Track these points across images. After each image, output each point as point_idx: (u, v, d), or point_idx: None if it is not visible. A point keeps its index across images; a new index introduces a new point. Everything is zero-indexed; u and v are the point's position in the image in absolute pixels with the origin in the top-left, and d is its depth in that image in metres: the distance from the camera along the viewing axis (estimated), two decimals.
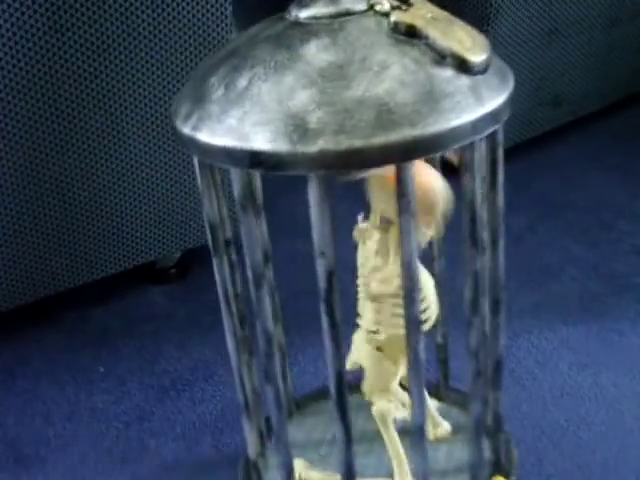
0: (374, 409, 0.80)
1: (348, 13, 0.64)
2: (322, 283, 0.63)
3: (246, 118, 0.60)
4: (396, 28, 0.63)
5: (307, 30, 0.63)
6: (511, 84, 0.69)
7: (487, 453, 0.82)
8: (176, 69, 1.08)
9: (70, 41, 0.99)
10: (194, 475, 0.93)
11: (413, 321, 0.67)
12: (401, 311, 0.68)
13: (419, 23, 0.63)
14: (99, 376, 1.08)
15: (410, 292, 0.65)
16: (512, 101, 0.68)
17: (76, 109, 1.03)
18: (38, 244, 1.08)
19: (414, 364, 0.68)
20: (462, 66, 0.62)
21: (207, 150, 0.63)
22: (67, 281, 1.13)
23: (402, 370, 0.80)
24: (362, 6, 0.64)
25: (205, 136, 0.62)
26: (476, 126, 0.62)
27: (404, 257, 0.64)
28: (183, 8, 1.05)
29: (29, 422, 1.00)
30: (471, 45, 0.63)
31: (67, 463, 0.95)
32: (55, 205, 1.07)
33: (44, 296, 1.12)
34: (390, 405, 0.80)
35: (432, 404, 0.89)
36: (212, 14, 1.07)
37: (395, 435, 0.81)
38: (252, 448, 0.81)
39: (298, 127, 0.59)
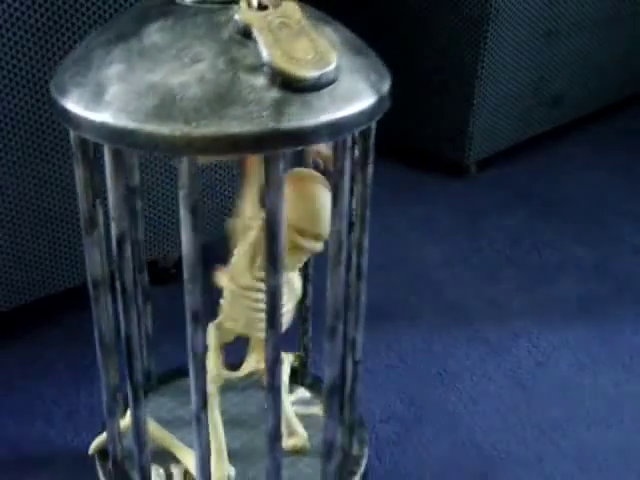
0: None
1: (231, 1, 0.63)
2: (114, 248, 0.68)
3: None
4: (235, 26, 0.62)
5: (169, 10, 0.64)
6: (354, 110, 0.62)
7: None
8: None
9: (70, 41, 0.99)
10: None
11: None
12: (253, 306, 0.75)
13: (257, 25, 0.61)
14: (99, 376, 1.08)
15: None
16: (332, 128, 0.61)
17: None
18: (38, 244, 1.08)
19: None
20: (276, 79, 0.59)
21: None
22: (67, 281, 1.13)
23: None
24: None
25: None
26: (259, 140, 0.59)
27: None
28: None
29: (29, 422, 1.00)
30: (304, 60, 0.60)
31: (67, 463, 0.95)
32: (55, 205, 1.07)
33: (44, 296, 1.12)
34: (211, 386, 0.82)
35: (290, 409, 0.86)
36: None
37: (217, 418, 0.83)
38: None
39: (96, 96, 0.61)
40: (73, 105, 0.62)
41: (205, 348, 0.70)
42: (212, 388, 0.82)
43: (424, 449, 0.94)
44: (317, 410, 0.88)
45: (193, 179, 0.61)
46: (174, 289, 1.25)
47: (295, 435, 0.85)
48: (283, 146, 0.60)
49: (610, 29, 1.64)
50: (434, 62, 1.50)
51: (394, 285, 1.24)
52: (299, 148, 0.61)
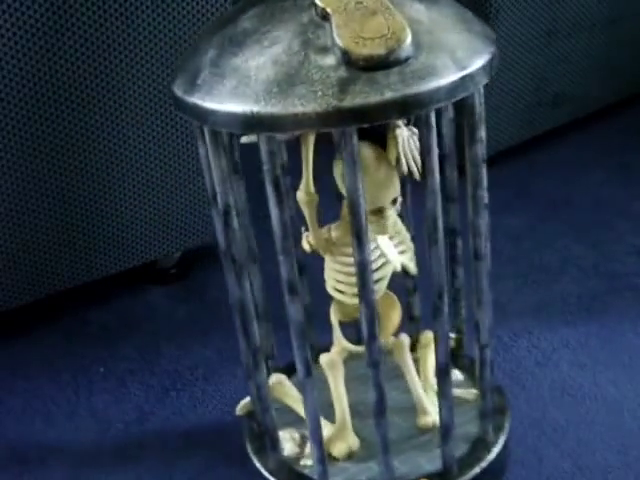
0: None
1: None
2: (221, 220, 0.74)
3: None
4: (315, 9, 0.64)
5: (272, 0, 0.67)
6: (428, 87, 0.62)
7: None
8: None
9: (70, 41, 0.99)
10: (194, 475, 0.93)
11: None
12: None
13: (333, 7, 0.62)
14: (99, 376, 1.08)
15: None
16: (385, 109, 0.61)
17: (76, 109, 1.03)
18: (38, 244, 1.08)
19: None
20: (344, 58, 0.61)
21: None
22: (67, 281, 1.13)
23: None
24: None
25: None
26: (323, 118, 0.61)
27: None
28: (183, 8, 1.05)
29: (29, 422, 1.00)
30: (373, 39, 0.60)
31: (67, 463, 0.95)
32: (55, 205, 1.07)
33: (44, 296, 1.12)
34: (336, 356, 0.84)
35: (419, 388, 0.87)
36: (212, 14, 1.07)
37: (342, 391, 0.84)
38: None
39: (192, 79, 0.66)
40: (177, 89, 0.68)
41: (306, 320, 0.74)
42: (336, 360, 0.84)
43: None
44: (465, 393, 0.88)
45: (271, 155, 0.65)
46: (174, 289, 1.25)
47: (425, 414, 0.85)
48: (347, 123, 0.61)
49: (610, 29, 1.64)
50: None
51: (394, 285, 1.24)
52: (365, 125, 0.62)
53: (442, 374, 0.75)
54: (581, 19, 1.55)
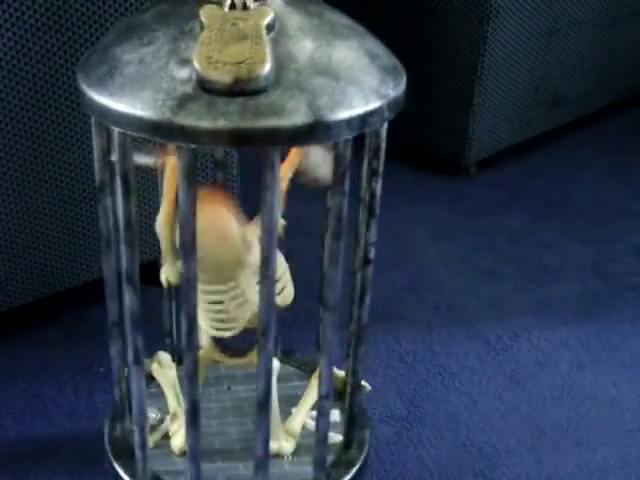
0: None
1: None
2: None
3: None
4: (199, 20, 0.63)
5: None
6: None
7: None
8: None
9: (70, 41, 0.99)
10: None
11: None
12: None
13: (209, 22, 0.61)
14: (99, 376, 1.08)
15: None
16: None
17: (76, 109, 1.03)
18: (38, 244, 1.08)
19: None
20: (195, 76, 0.60)
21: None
22: (67, 281, 1.13)
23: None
24: None
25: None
26: (146, 125, 0.61)
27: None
28: None
29: (29, 422, 1.00)
30: (227, 64, 0.58)
31: (67, 463, 0.95)
32: (55, 205, 1.07)
33: (44, 296, 1.12)
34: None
35: (276, 419, 0.85)
36: None
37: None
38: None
39: (84, 61, 0.68)
40: (79, 64, 0.68)
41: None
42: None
43: (424, 449, 0.94)
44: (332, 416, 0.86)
45: (121, 147, 0.66)
46: (174, 289, 1.25)
47: (277, 441, 0.84)
48: (177, 139, 0.60)
49: (610, 29, 1.64)
50: (434, 62, 1.50)
51: (394, 285, 1.24)
52: (193, 146, 0.61)
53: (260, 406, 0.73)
54: (581, 19, 1.56)
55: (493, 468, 0.91)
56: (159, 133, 0.60)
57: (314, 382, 0.87)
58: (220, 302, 0.80)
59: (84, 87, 0.65)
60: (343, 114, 0.61)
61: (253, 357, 0.84)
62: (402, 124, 1.63)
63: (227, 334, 0.82)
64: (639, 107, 1.85)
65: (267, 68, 0.59)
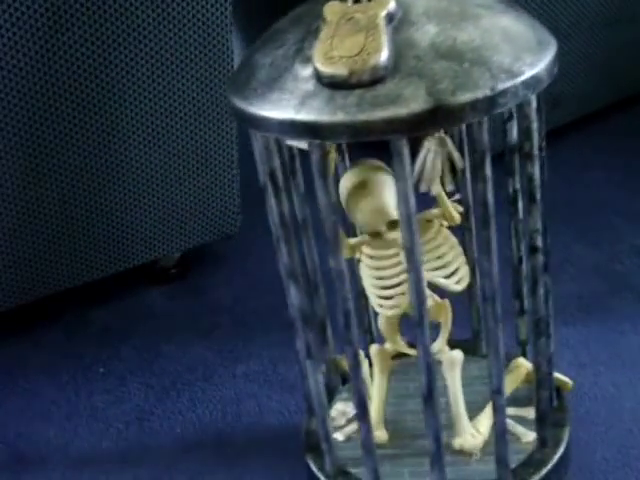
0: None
1: None
2: None
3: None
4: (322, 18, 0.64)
5: None
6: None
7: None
8: (176, 69, 1.08)
9: (70, 41, 0.99)
10: (193, 475, 0.93)
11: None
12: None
13: (329, 17, 0.62)
14: (99, 376, 1.08)
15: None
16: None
17: (76, 109, 1.03)
18: (38, 244, 1.08)
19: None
20: (314, 72, 0.61)
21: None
22: (67, 281, 1.13)
23: None
24: None
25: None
26: (274, 124, 0.63)
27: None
28: (183, 8, 1.05)
29: (29, 422, 1.00)
30: (342, 57, 0.59)
31: (67, 463, 0.95)
32: (55, 205, 1.07)
33: (44, 296, 1.12)
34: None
35: (462, 408, 0.82)
36: (212, 14, 1.07)
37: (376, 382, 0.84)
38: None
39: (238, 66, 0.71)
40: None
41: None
42: (384, 352, 0.85)
43: None
44: (528, 413, 0.85)
45: (265, 150, 0.68)
46: (174, 289, 1.25)
47: (462, 435, 0.82)
48: (302, 136, 0.62)
49: (610, 29, 1.64)
50: None
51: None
52: (317, 141, 0.62)
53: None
54: (581, 19, 1.55)
55: None
56: (285, 132, 0.62)
57: (509, 377, 0.86)
58: (383, 269, 0.77)
59: (229, 93, 0.67)
60: (466, 97, 0.59)
61: (436, 347, 0.82)
62: None
63: (390, 312, 0.79)
64: (639, 107, 1.84)
65: (382, 58, 0.59)
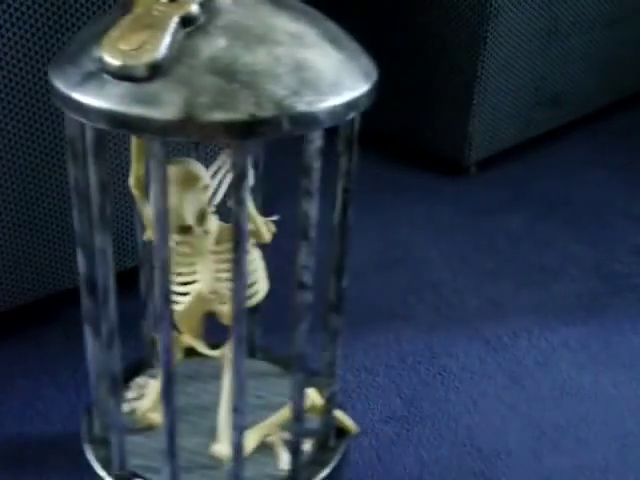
0: None
1: None
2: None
3: None
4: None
5: None
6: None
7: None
8: None
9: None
10: None
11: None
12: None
13: (137, 9, 0.64)
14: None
15: None
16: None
17: None
18: (38, 244, 1.08)
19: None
20: (99, 60, 0.62)
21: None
22: (67, 281, 1.13)
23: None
24: None
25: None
26: (58, 99, 0.64)
27: None
28: None
29: (29, 422, 1.00)
30: (124, 50, 0.60)
31: (67, 463, 0.95)
32: (55, 205, 1.07)
33: (44, 296, 1.12)
34: None
35: (225, 416, 0.83)
36: None
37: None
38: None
39: None
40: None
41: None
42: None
43: (424, 449, 0.94)
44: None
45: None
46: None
47: (221, 443, 0.82)
48: (75, 113, 0.63)
49: (610, 29, 1.64)
50: (434, 62, 1.50)
51: (394, 285, 1.24)
52: (84, 121, 0.63)
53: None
54: (581, 19, 1.56)
55: (493, 468, 0.91)
56: (65, 104, 0.64)
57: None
58: (179, 265, 0.79)
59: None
60: (219, 115, 0.59)
61: (225, 351, 0.83)
62: (402, 124, 1.63)
63: (176, 307, 0.81)
64: (639, 107, 1.85)
65: (152, 57, 0.60)
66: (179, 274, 0.79)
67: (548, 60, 1.54)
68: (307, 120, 0.61)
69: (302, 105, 0.61)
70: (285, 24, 0.64)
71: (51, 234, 1.08)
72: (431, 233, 1.38)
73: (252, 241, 0.80)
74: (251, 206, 0.78)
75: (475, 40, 1.42)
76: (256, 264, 0.82)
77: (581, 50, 1.60)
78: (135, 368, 0.95)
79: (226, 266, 0.78)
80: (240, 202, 0.64)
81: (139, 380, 0.93)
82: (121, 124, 0.60)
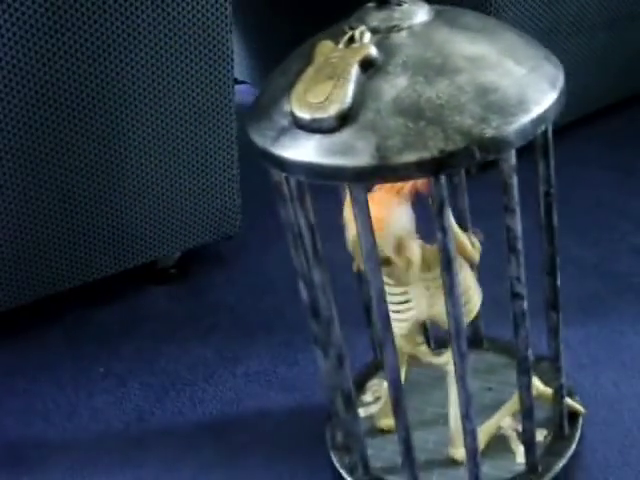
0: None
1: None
2: None
3: None
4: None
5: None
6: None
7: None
8: (176, 69, 1.08)
9: (70, 41, 0.99)
10: (193, 475, 0.93)
11: None
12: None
13: (317, 59, 0.65)
14: (99, 376, 1.08)
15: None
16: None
17: (76, 109, 1.03)
18: (38, 244, 1.08)
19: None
20: (290, 114, 0.64)
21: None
22: (67, 281, 1.13)
23: None
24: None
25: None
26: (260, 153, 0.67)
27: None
28: (183, 8, 1.05)
29: (29, 422, 1.00)
30: (311, 102, 0.62)
31: (67, 463, 0.95)
32: (55, 205, 1.07)
33: (44, 296, 1.12)
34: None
35: (456, 419, 0.83)
36: (212, 14, 1.07)
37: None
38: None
39: None
40: None
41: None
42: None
43: None
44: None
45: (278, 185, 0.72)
46: (174, 289, 1.25)
47: (455, 447, 0.83)
48: (275, 167, 0.67)
49: (610, 29, 1.64)
50: None
51: None
52: (284, 174, 0.68)
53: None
54: (581, 19, 1.55)
55: None
56: (264, 158, 0.66)
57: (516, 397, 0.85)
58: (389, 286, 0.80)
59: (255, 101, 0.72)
60: (411, 156, 0.60)
61: (447, 357, 0.83)
62: None
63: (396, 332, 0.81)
64: (639, 107, 1.84)
65: (337, 109, 0.61)
66: (394, 303, 0.80)
67: None
68: (497, 145, 0.61)
69: (490, 131, 0.61)
70: (463, 48, 0.64)
71: (51, 234, 1.08)
72: (431, 233, 1.38)
73: (460, 260, 0.80)
74: (455, 228, 0.80)
75: None
76: (468, 282, 0.82)
77: (581, 50, 1.60)
78: (369, 370, 0.97)
79: (439, 290, 0.77)
80: (444, 231, 0.66)
81: (374, 382, 0.94)
82: (317, 175, 0.63)
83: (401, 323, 0.81)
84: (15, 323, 1.14)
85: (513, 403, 0.85)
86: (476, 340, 0.96)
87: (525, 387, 0.78)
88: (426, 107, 0.61)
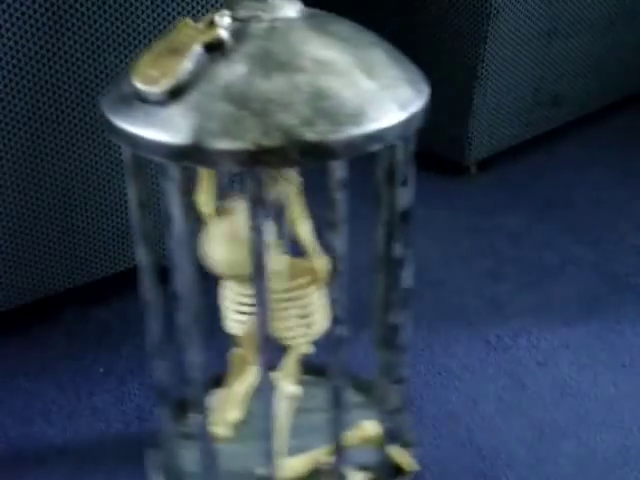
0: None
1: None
2: None
3: None
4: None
5: None
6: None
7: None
8: None
9: (70, 41, 0.99)
10: None
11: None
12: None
13: (174, 34, 0.65)
14: (99, 376, 1.08)
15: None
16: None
17: (76, 109, 1.03)
18: (38, 244, 1.08)
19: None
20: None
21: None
22: (67, 281, 1.13)
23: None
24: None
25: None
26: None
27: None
28: (183, 8, 1.05)
29: (29, 422, 1.00)
30: (151, 75, 0.62)
31: (67, 463, 0.95)
32: (55, 205, 1.07)
33: (44, 296, 1.12)
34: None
35: (281, 443, 0.82)
36: (212, 14, 1.07)
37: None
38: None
39: None
40: None
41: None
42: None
43: (424, 449, 0.94)
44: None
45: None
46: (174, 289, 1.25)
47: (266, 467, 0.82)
48: (115, 137, 0.66)
49: (610, 29, 1.64)
50: (434, 62, 1.50)
51: None
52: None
53: None
54: (581, 19, 1.56)
55: (493, 468, 0.91)
56: (105, 127, 0.66)
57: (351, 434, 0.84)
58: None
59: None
60: (224, 144, 0.59)
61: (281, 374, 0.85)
62: None
63: (234, 331, 0.85)
64: (639, 107, 1.85)
65: (167, 84, 0.61)
66: (241, 303, 0.82)
67: (548, 60, 1.54)
68: (319, 151, 0.59)
69: (312, 135, 0.59)
70: (315, 50, 0.63)
71: (51, 234, 1.08)
72: (431, 233, 1.38)
73: (309, 279, 0.80)
74: (310, 242, 0.79)
75: (475, 40, 1.42)
76: (316, 304, 0.82)
77: (581, 50, 1.60)
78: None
79: (281, 304, 0.79)
80: (256, 230, 0.64)
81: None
82: (138, 146, 0.63)
83: (240, 324, 0.84)
84: (15, 323, 1.14)
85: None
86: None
87: (337, 422, 0.75)
88: (254, 98, 0.59)
